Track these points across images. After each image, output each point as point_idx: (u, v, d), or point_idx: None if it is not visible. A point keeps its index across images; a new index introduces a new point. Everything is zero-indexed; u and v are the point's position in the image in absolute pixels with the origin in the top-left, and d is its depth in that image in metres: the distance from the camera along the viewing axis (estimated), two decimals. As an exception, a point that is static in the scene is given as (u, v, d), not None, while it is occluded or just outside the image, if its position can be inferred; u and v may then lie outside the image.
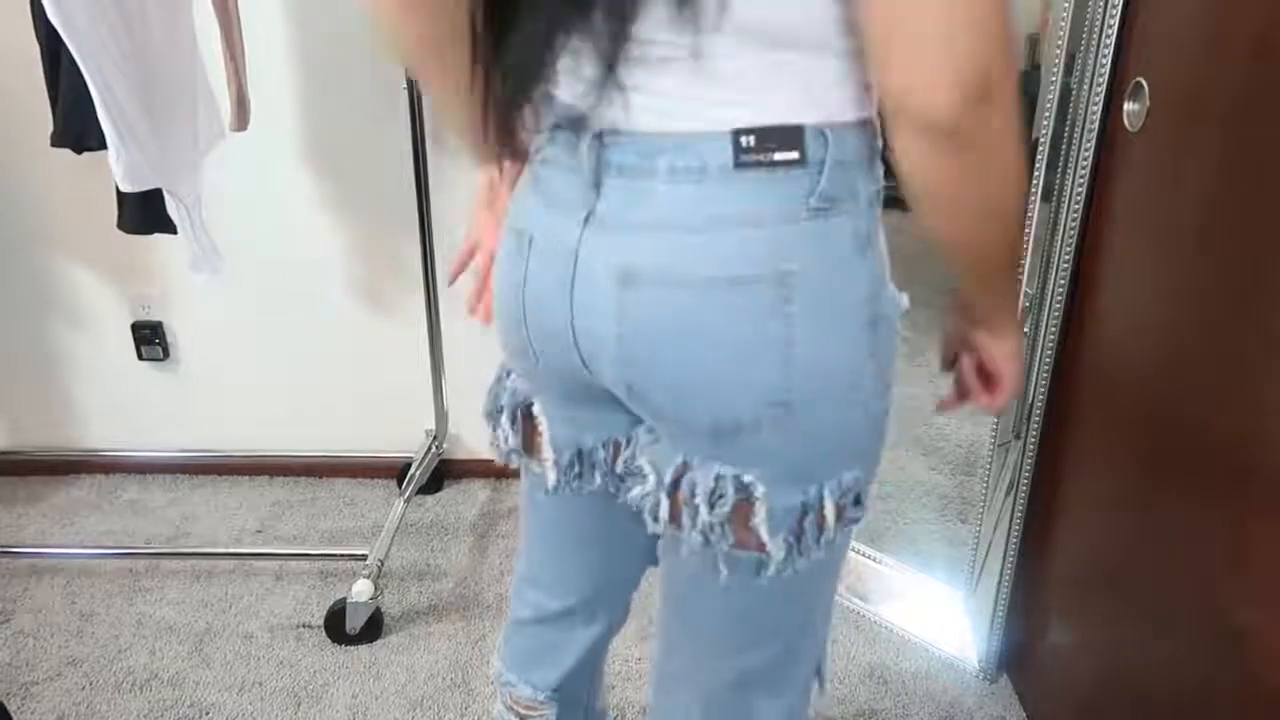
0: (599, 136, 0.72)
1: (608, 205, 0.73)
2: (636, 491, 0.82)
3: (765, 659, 0.89)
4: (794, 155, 0.69)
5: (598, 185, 0.73)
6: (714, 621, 0.88)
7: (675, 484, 0.79)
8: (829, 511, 0.77)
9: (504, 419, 0.92)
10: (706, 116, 0.69)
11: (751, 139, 0.69)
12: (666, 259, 0.71)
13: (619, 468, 0.86)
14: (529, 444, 0.91)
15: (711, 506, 0.76)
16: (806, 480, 0.76)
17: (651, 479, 0.80)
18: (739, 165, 0.69)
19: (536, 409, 0.89)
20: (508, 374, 0.92)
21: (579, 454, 0.88)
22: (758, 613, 0.86)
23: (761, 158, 0.69)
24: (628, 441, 0.85)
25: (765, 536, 0.76)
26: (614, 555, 1.00)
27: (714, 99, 0.69)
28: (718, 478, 0.76)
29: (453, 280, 1.02)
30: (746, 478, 0.75)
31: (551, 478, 0.89)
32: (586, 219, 0.74)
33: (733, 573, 0.79)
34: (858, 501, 0.79)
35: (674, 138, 0.70)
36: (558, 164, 0.76)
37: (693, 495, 0.77)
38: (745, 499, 0.76)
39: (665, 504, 0.79)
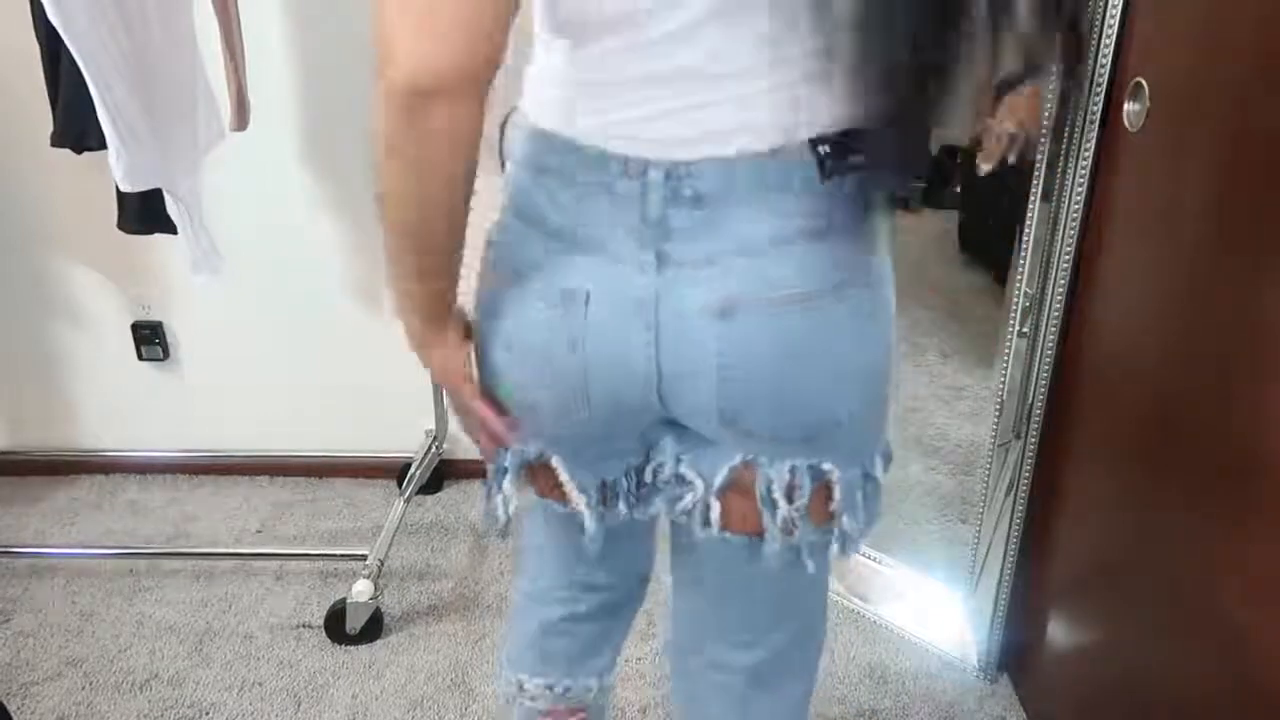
0: (669, 173, 0.69)
1: (683, 241, 0.70)
2: (687, 500, 0.82)
3: (789, 638, 0.93)
4: (862, 158, 0.70)
5: (663, 223, 0.70)
6: (747, 606, 0.91)
7: (726, 486, 0.79)
8: (879, 474, 0.81)
9: (506, 482, 0.88)
10: (782, 132, 0.68)
11: (827, 148, 0.69)
12: (768, 281, 0.70)
13: (649, 480, 0.85)
14: (545, 490, 0.88)
15: (790, 499, 0.78)
16: (863, 453, 0.81)
17: (700, 485, 0.81)
18: (826, 175, 0.69)
19: (555, 462, 0.85)
20: None
21: (602, 486, 0.86)
22: (789, 593, 0.90)
23: (841, 163, 0.70)
24: (647, 458, 0.85)
25: (844, 515, 0.80)
26: (638, 530, 1.00)
27: (787, 113, 0.68)
28: (792, 470, 0.78)
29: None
30: (825, 465, 0.78)
31: (591, 526, 0.86)
32: (658, 261, 0.71)
33: (815, 559, 0.82)
34: (889, 458, 0.83)
35: (754, 158, 0.69)
36: (590, 210, 0.72)
37: (769, 492, 0.78)
38: (823, 484, 0.79)
39: (717, 507, 0.80)
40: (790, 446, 0.77)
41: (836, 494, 0.79)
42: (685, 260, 0.70)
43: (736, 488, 0.79)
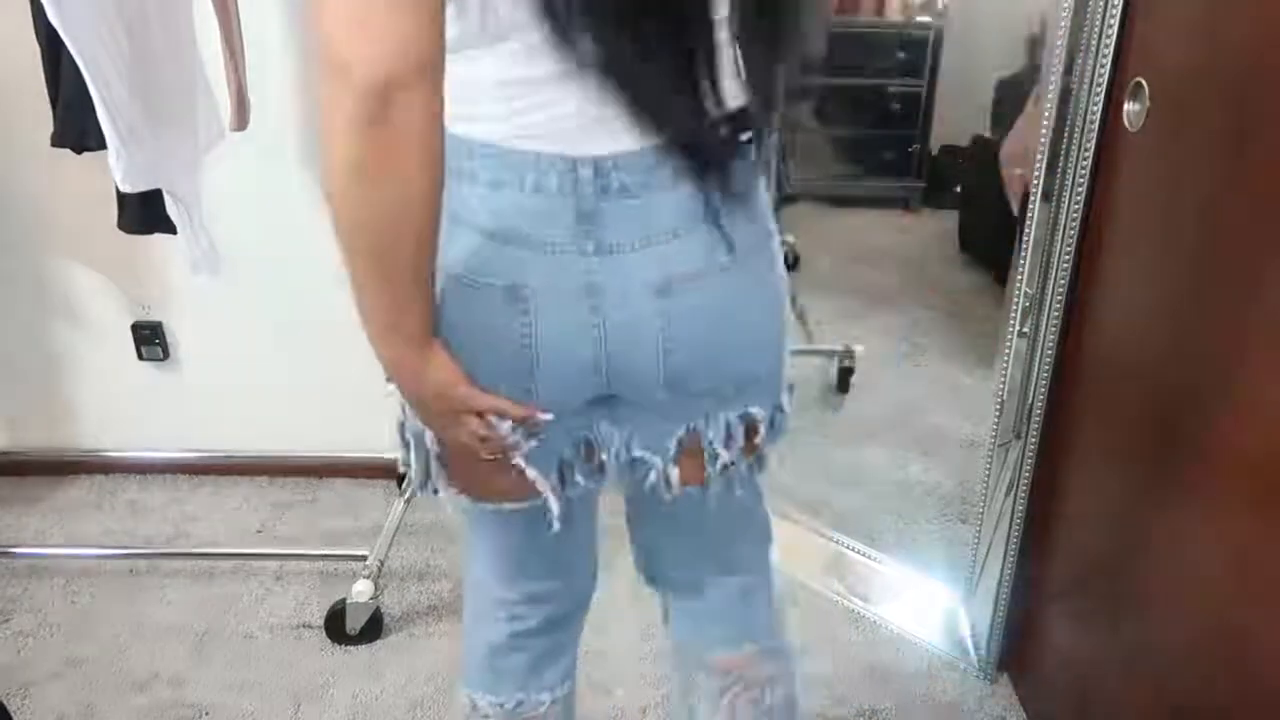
0: (597, 169, 0.73)
1: (615, 228, 0.75)
2: (652, 478, 0.88)
3: (752, 550, 1.04)
4: (748, 136, 0.78)
5: (597, 215, 0.74)
6: (712, 526, 1.00)
7: (677, 454, 0.87)
8: (787, 406, 0.92)
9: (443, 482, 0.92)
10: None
11: (727, 128, 0.76)
12: (699, 255, 0.78)
13: (609, 466, 0.89)
14: (495, 489, 0.90)
15: (728, 447, 0.88)
16: (776, 393, 0.91)
17: (658, 461, 0.87)
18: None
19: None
20: None
21: (560, 466, 0.89)
22: (732, 529, 1.01)
23: (739, 140, 0.77)
24: (592, 431, 0.89)
25: (766, 446, 0.92)
26: (580, 533, 1.03)
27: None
28: (727, 424, 0.87)
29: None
30: (753, 409, 0.88)
31: (556, 506, 0.88)
32: (596, 250, 0.75)
33: (745, 489, 0.94)
34: (793, 389, 0.94)
35: (664, 147, 0.74)
36: (526, 210, 0.74)
37: (711, 445, 0.87)
38: (751, 426, 0.89)
39: (675, 472, 0.88)
40: (724, 401, 0.86)
41: (762, 430, 0.89)
42: (623, 246, 0.76)
43: (686, 452, 0.88)
